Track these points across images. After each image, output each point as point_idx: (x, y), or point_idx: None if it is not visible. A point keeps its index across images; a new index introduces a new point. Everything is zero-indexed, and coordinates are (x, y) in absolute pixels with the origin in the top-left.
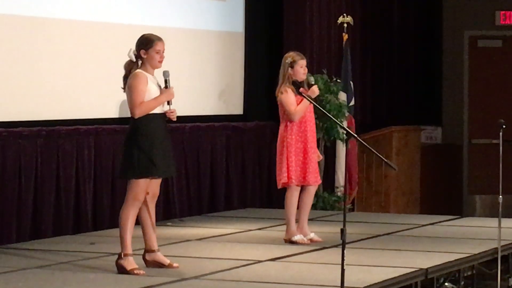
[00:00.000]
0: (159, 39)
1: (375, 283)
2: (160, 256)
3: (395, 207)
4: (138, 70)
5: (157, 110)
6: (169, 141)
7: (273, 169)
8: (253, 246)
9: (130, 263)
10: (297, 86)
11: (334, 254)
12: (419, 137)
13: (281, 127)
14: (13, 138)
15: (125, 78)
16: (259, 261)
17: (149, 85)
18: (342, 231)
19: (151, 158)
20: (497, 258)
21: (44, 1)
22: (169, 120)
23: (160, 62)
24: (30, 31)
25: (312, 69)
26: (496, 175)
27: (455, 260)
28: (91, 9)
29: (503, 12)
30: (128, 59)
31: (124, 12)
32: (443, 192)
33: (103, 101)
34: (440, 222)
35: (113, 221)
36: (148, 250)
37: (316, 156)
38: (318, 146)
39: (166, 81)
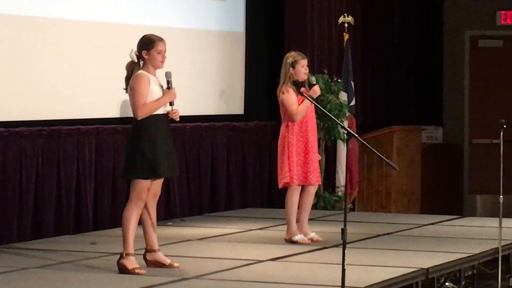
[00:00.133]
0: (160, 39)
1: (376, 283)
2: (161, 256)
3: (396, 207)
4: (140, 71)
5: (160, 111)
6: (172, 141)
7: (274, 169)
8: (254, 246)
9: (132, 262)
10: (297, 86)
11: (334, 254)
12: (419, 137)
13: (282, 127)
14: (14, 138)
15: (127, 79)
16: (260, 261)
17: (151, 86)
18: (343, 231)
19: (154, 158)
20: (497, 258)
21: (44, 1)
22: (172, 120)
23: (162, 62)
24: (31, 31)
25: (312, 69)
26: (496, 175)
27: (456, 260)
28: (91, 9)
29: (504, 12)
30: (130, 60)
31: (124, 12)
32: (444, 192)
33: (104, 101)
34: (440, 222)
35: (113, 221)
36: (149, 250)
37: (317, 156)
38: (318, 146)
39: (168, 82)
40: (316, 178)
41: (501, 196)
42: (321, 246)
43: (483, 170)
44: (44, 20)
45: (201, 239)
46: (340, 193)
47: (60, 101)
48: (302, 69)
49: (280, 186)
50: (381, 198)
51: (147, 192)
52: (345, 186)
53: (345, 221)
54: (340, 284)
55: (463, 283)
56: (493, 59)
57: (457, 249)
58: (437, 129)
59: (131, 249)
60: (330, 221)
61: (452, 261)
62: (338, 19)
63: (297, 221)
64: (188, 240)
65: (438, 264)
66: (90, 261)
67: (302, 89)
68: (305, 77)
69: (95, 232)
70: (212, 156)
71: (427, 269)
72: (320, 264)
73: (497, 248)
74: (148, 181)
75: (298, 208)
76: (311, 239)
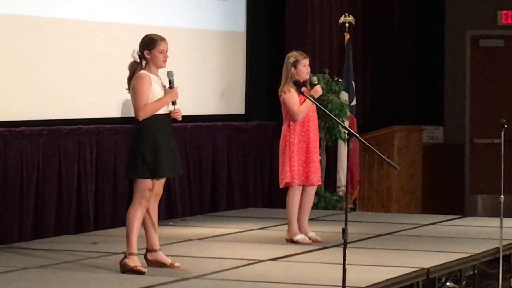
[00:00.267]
0: (162, 39)
1: (377, 283)
2: (162, 256)
3: (397, 206)
4: (142, 72)
5: (162, 111)
6: (175, 141)
7: (275, 168)
8: (255, 246)
9: (134, 261)
10: (298, 85)
11: (335, 254)
12: (420, 136)
13: (284, 127)
14: (14, 137)
15: (130, 79)
16: (261, 261)
17: (153, 86)
18: (344, 231)
19: (157, 158)
20: (498, 258)
21: (44, 1)
22: (174, 120)
23: (164, 61)
24: (31, 31)
25: (313, 68)
26: (497, 174)
27: (457, 259)
28: (91, 9)
29: (505, 11)
30: (132, 60)
31: (124, 12)
32: (445, 192)
33: (105, 100)
34: (441, 221)
35: (114, 220)
36: (150, 250)
37: (318, 156)
38: (319, 146)
39: (170, 82)
40: (317, 178)
41: (502, 196)
42: (322, 246)
43: (484, 170)
44: (44, 20)
45: (202, 239)
46: (341, 193)
47: (61, 101)
48: (304, 69)
49: (281, 185)
50: (382, 198)
51: (151, 192)
52: (346, 186)
53: (346, 221)
54: (341, 284)
55: (464, 283)
56: (494, 59)
57: (458, 249)
58: (438, 129)
59: (134, 249)
60: (331, 221)
61: (453, 261)
62: (339, 19)
63: (297, 221)
64: (189, 240)
65: (439, 264)
66: (90, 261)
67: (304, 89)
68: (307, 77)
69: (95, 232)
70: (213, 156)
71: (428, 269)
72: (321, 264)
73: (498, 248)
74: (151, 181)
75: (298, 207)
76: (310, 238)
